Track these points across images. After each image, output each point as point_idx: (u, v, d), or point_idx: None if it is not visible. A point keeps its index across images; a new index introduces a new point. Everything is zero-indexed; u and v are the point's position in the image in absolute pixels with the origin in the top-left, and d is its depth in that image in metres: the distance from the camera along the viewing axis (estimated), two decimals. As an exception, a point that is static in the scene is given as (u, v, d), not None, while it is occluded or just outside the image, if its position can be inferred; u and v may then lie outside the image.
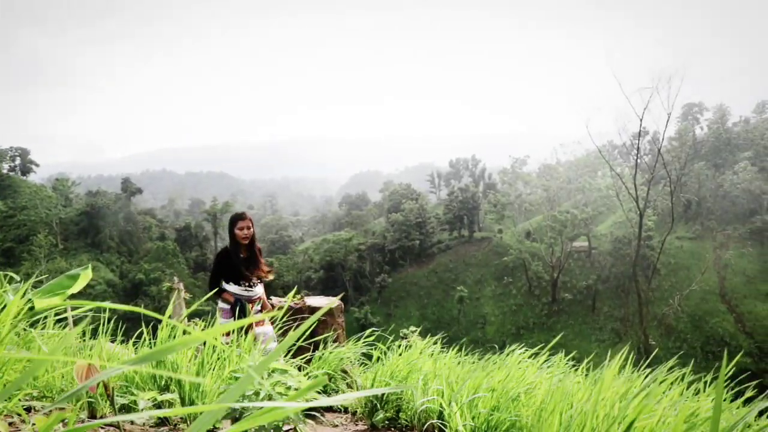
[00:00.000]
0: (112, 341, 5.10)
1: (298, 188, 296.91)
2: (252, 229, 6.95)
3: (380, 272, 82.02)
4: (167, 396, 3.73)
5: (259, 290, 7.08)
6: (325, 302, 7.31)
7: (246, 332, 6.03)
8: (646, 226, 58.22)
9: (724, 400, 4.77)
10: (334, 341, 6.58)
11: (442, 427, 4.42)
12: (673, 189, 54.37)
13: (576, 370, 5.54)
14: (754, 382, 4.68)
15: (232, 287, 6.82)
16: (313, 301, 7.38)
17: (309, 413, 4.83)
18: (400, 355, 5.84)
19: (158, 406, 3.65)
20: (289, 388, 3.73)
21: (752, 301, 64.04)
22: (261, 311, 7.10)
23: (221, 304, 6.82)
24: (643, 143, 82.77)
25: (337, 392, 5.74)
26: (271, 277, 7.25)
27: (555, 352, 5.62)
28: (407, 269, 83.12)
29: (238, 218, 6.91)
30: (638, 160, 48.62)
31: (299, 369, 5.46)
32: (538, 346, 5.56)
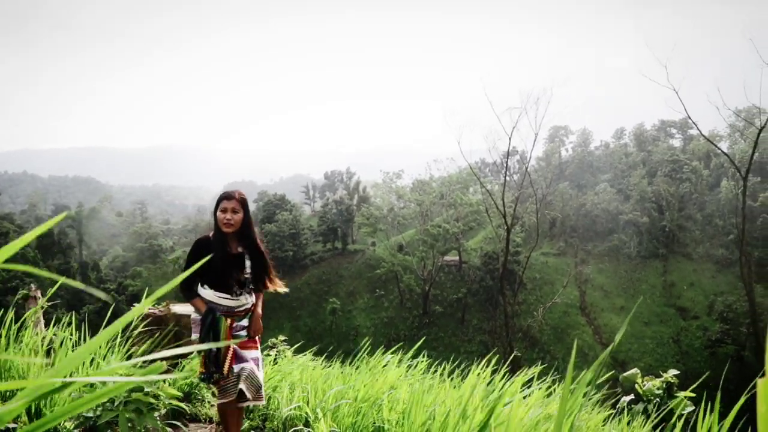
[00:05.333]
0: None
1: (169, 197, 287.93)
2: (241, 214, 4.79)
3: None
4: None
5: (246, 300, 4.85)
6: (191, 310, 7.00)
7: (219, 359, 4.56)
8: (513, 242, 60.19)
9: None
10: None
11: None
12: (538, 207, 56.48)
13: (446, 378, 5.82)
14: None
15: (207, 292, 4.75)
16: (178, 308, 7.00)
17: (171, 423, 4.72)
18: (273, 363, 6.08)
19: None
20: (147, 394, 3.66)
21: (608, 314, 67.70)
22: (248, 328, 4.87)
23: (193, 314, 4.83)
24: (512, 162, 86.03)
25: (201, 400, 5.53)
26: (279, 288, 5.20)
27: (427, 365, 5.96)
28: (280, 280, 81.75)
29: (222, 197, 4.83)
30: (507, 178, 50.16)
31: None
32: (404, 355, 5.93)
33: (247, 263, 4.88)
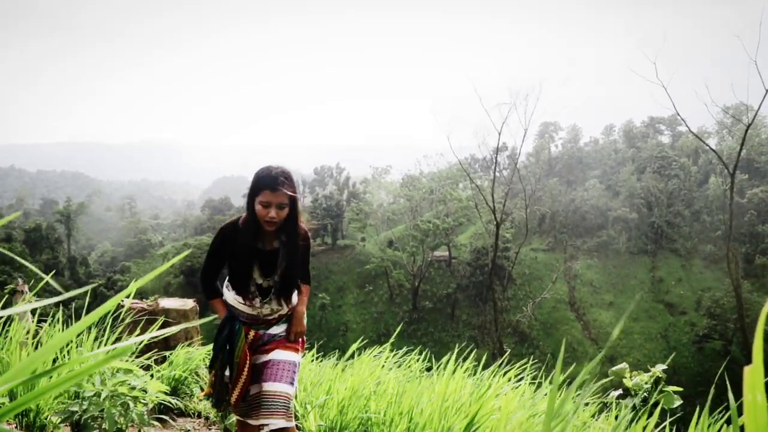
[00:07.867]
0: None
1: (158, 192, 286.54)
2: (286, 211, 3.48)
3: (242, 278, 79.81)
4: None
5: (281, 306, 3.66)
6: (179, 304, 6.99)
7: (230, 383, 3.50)
8: (503, 238, 60.28)
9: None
10: (189, 344, 6.31)
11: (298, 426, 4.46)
12: (528, 202, 56.56)
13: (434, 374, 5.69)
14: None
15: (229, 294, 3.64)
16: (166, 303, 7.00)
17: (159, 417, 4.69)
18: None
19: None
20: (133, 388, 3.59)
21: (597, 309, 67.92)
22: (287, 335, 3.69)
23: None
24: (502, 158, 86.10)
25: (190, 395, 5.47)
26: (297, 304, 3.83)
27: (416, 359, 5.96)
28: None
29: (263, 185, 3.42)
30: (496, 174, 50.17)
31: (147, 369, 5.10)
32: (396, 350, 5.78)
33: (280, 264, 3.64)
